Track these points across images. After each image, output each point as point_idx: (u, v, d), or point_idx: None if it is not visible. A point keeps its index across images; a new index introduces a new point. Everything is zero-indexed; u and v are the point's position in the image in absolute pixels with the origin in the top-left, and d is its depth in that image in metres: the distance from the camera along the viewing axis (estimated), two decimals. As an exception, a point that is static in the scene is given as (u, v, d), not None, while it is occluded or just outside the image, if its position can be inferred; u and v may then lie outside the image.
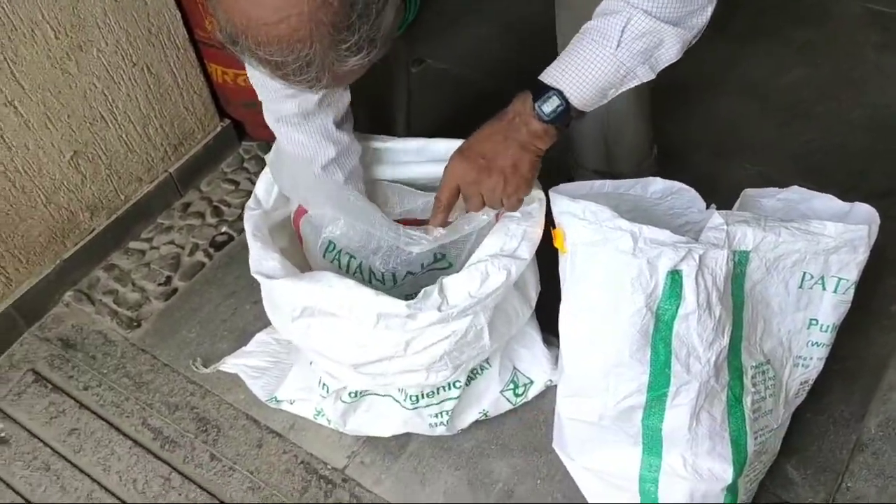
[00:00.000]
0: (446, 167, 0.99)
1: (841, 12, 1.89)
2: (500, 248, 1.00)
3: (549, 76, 0.93)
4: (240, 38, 0.76)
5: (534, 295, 1.14)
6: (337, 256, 1.11)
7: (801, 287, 0.98)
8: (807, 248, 0.94)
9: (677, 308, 0.92)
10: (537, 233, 1.02)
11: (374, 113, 1.39)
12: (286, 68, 0.77)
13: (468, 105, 1.71)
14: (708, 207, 1.04)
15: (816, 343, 1.02)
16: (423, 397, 1.15)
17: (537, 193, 1.04)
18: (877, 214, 0.97)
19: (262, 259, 1.04)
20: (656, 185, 1.07)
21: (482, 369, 1.19)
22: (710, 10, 0.90)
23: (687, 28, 0.90)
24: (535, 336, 1.23)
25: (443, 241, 1.05)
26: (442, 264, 1.12)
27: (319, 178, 1.10)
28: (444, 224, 1.04)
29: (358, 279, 1.11)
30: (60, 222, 1.47)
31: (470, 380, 1.18)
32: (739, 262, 0.94)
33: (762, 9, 1.92)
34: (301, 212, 1.13)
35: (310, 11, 0.73)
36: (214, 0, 0.76)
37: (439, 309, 0.97)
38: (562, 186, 1.02)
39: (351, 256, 1.11)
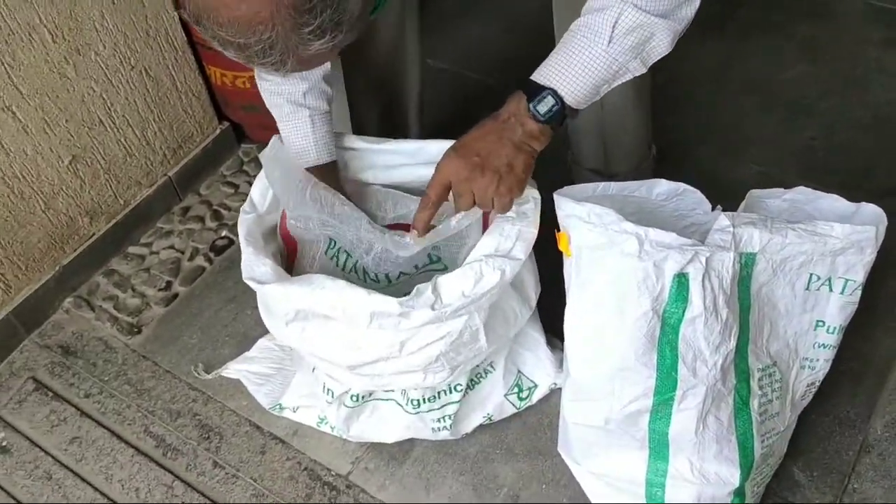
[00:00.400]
0: (438, 164, 0.98)
1: (843, 9, 1.89)
2: (496, 249, 0.99)
3: (542, 76, 0.93)
4: (202, 19, 0.76)
5: (533, 296, 1.13)
6: (336, 254, 1.11)
7: (807, 289, 0.97)
8: (814, 249, 0.93)
9: (684, 311, 0.91)
10: (532, 233, 1.01)
11: (385, 111, 1.38)
12: (249, 50, 0.77)
13: (469, 104, 1.70)
14: (714, 209, 1.04)
15: (823, 345, 1.01)
16: (424, 402, 1.14)
17: (532, 192, 1.03)
18: (884, 215, 0.96)
19: (255, 265, 1.04)
20: (661, 187, 1.06)
21: (486, 373, 1.18)
22: (697, 1, 0.90)
23: (676, 20, 0.89)
24: (538, 339, 1.22)
25: (428, 242, 1.04)
26: (437, 266, 1.12)
27: (305, 181, 1.09)
28: (429, 221, 1.02)
29: (353, 278, 1.11)
30: (59, 228, 1.46)
31: (474, 383, 1.17)
32: (746, 264, 0.93)
33: (763, 4, 1.92)
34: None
35: None
36: None
37: (433, 307, 0.96)
38: (566, 189, 1.01)
39: (348, 255, 1.10)
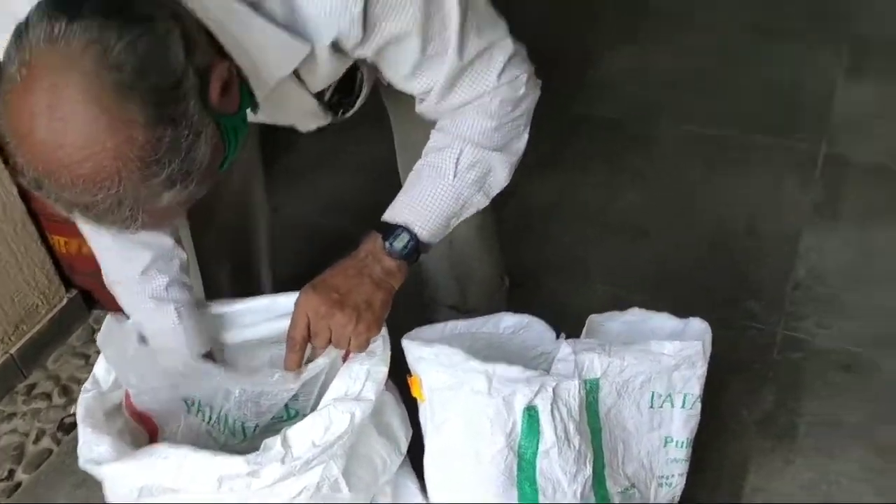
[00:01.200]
0: (297, 301, 0.97)
1: (667, 136, 2.06)
2: (345, 392, 0.97)
3: (394, 214, 0.97)
4: (44, 184, 0.73)
5: (403, 439, 1.11)
6: (199, 408, 1.07)
7: (651, 407, 1.01)
8: (651, 368, 0.98)
9: (537, 444, 0.93)
10: (382, 372, 1.00)
11: (236, 267, 1.37)
12: (96, 208, 0.74)
13: (324, 253, 1.70)
14: (558, 337, 1.08)
15: (675, 460, 1.05)
16: None
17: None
18: (709, 328, 1.03)
19: (92, 445, 0.97)
20: (507, 321, 1.10)
21: None
22: (526, 136, 0.99)
23: (510, 153, 0.98)
24: (412, 487, 1.19)
25: (296, 383, 1.01)
26: (296, 420, 1.09)
27: (146, 352, 1.06)
28: (300, 363, 1.00)
29: (216, 429, 1.07)
30: None
31: None
32: (591, 389, 0.97)
33: (590, 139, 2.07)
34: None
35: (114, 147, 0.70)
36: (13, 144, 0.72)
37: (282, 461, 0.92)
38: (414, 332, 1.03)
39: (210, 406, 1.07)
